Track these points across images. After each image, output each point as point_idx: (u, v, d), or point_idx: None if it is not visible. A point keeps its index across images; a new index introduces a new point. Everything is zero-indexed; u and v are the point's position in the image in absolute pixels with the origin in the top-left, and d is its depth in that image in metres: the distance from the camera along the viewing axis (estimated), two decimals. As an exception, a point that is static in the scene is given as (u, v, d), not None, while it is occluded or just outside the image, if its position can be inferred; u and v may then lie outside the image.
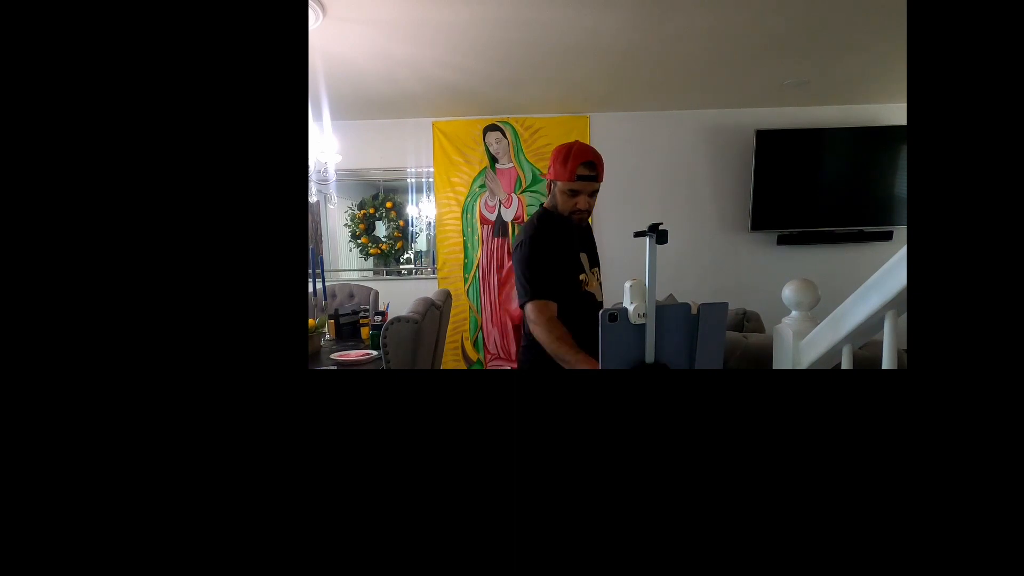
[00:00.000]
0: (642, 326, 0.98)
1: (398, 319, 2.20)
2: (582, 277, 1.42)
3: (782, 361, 1.46)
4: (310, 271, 2.82)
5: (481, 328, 3.71)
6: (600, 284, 1.50)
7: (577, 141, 1.39)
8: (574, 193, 1.35)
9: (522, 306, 1.36)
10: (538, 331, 1.30)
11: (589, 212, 1.40)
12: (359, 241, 3.90)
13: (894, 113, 3.50)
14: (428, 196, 3.78)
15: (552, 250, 1.36)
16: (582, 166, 1.33)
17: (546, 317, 1.29)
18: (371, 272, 3.96)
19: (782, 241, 3.66)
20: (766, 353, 1.69)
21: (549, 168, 1.41)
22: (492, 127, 3.57)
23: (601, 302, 1.47)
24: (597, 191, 1.39)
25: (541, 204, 1.48)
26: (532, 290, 1.32)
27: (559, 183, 1.37)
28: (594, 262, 1.49)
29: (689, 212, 3.67)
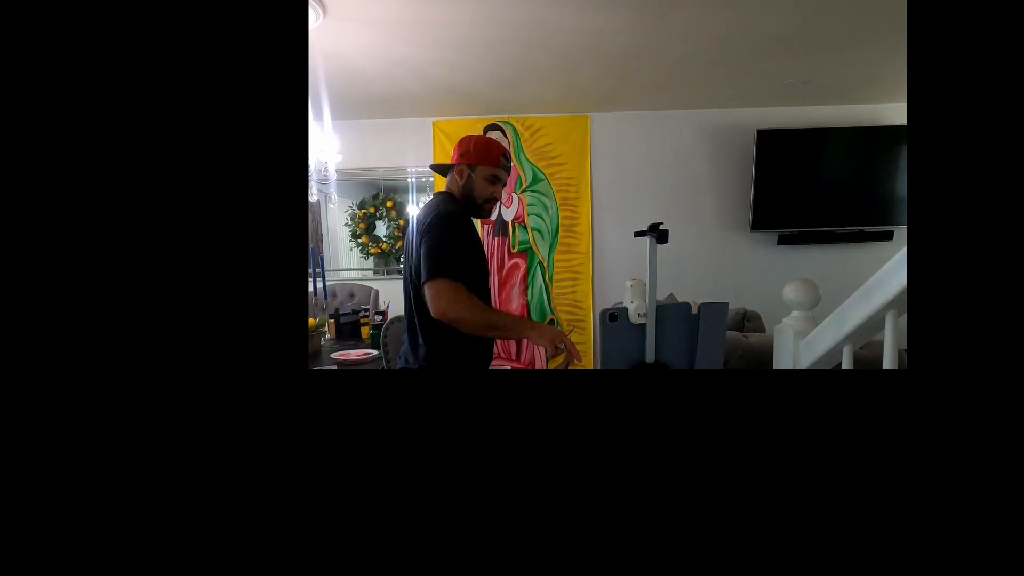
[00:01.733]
0: (642, 326, 0.98)
1: (398, 318, 2.19)
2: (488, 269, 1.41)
3: (782, 361, 1.46)
4: (310, 271, 2.82)
5: (481, 328, 3.70)
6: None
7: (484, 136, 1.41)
8: (495, 180, 1.36)
9: (423, 284, 1.19)
10: (451, 308, 1.15)
11: (498, 203, 1.42)
12: (359, 240, 3.89)
13: (894, 113, 3.49)
14: (428, 196, 3.77)
15: (463, 234, 1.28)
16: (503, 156, 1.36)
17: (464, 294, 1.17)
18: (371, 272, 3.96)
19: (782, 241, 3.65)
20: (766, 353, 1.69)
21: (461, 154, 1.36)
22: (492, 127, 3.57)
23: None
24: (506, 184, 1.42)
25: (442, 191, 1.40)
26: (440, 267, 1.18)
27: (480, 168, 1.34)
28: None
29: (689, 212, 3.67)
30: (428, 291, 1.18)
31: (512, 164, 1.41)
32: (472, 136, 1.39)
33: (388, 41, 2.25)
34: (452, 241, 1.22)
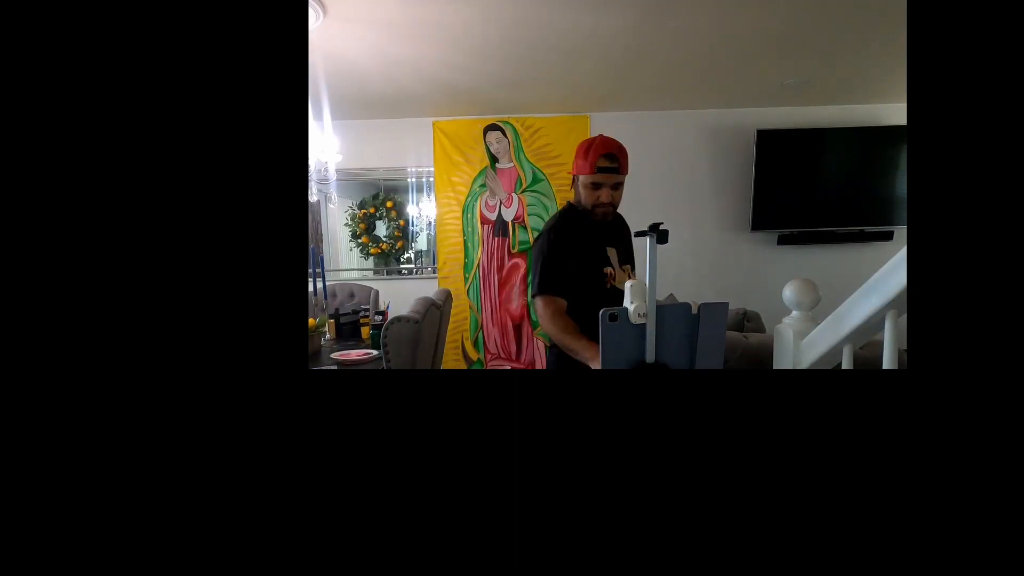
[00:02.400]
0: (642, 326, 0.98)
1: (398, 319, 2.19)
2: (607, 271, 1.40)
3: (782, 361, 1.46)
4: (310, 271, 2.82)
5: (481, 328, 3.71)
6: None
7: (601, 135, 1.39)
8: (596, 186, 1.37)
9: (531, 299, 1.38)
10: (544, 324, 1.33)
11: (614, 206, 1.41)
12: (359, 241, 3.90)
13: (894, 113, 3.49)
14: (428, 196, 3.77)
15: (571, 244, 1.37)
16: (603, 158, 1.34)
17: (552, 310, 1.31)
18: (371, 272, 3.96)
19: (782, 241, 3.66)
20: (766, 353, 1.69)
21: (573, 163, 1.42)
22: (492, 127, 3.57)
23: None
24: (622, 183, 1.39)
25: (568, 201, 1.48)
26: (540, 285, 1.34)
27: (581, 177, 1.38)
28: (626, 258, 1.47)
29: (689, 212, 3.67)
30: (534, 307, 1.38)
31: (618, 164, 1.37)
32: (587, 140, 1.38)
33: (388, 41, 2.25)
34: (549, 258, 1.35)
